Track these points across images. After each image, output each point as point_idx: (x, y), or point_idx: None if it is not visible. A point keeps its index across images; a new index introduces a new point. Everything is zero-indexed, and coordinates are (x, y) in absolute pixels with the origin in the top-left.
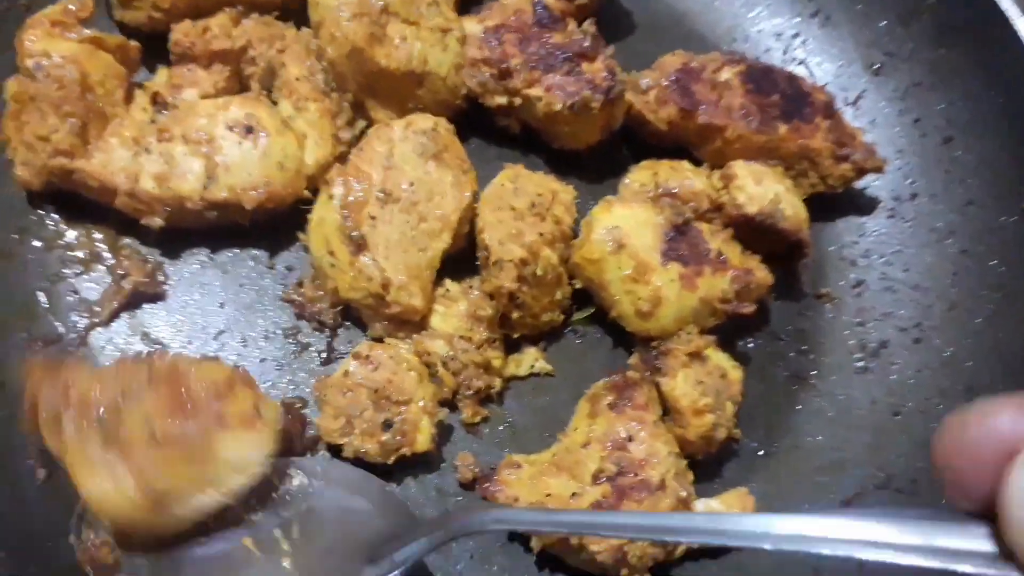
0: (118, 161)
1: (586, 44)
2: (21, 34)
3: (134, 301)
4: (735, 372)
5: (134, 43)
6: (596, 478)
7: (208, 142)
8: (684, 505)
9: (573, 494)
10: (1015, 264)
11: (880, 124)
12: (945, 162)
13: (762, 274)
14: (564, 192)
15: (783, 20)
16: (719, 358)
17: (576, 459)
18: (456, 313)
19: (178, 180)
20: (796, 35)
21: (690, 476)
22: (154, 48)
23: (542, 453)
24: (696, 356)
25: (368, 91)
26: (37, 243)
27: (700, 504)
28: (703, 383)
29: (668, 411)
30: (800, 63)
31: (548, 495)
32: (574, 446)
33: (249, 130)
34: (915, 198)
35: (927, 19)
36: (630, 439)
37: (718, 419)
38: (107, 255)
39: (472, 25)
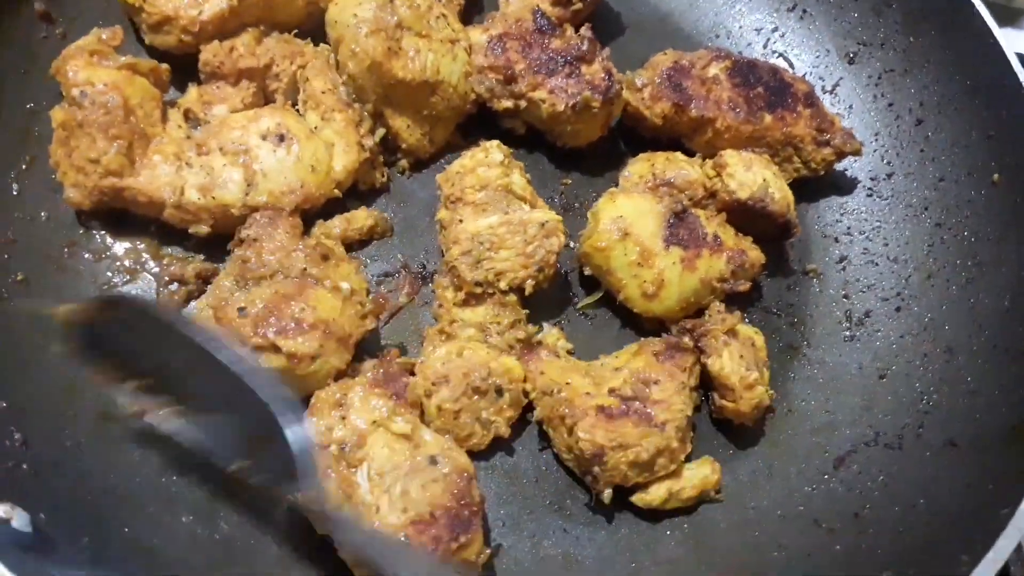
0: (163, 176)
1: (584, 48)
2: (63, 65)
3: (186, 303)
4: (759, 338)
5: (164, 66)
6: (612, 391)
7: (245, 152)
8: (669, 455)
9: (587, 393)
10: (985, 234)
11: (857, 110)
12: (919, 142)
13: (755, 254)
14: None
15: (762, 15)
16: (745, 328)
17: (604, 375)
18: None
19: (220, 190)
20: (775, 29)
21: (691, 438)
22: (180, 68)
23: (580, 361)
24: (731, 333)
25: (386, 101)
26: (87, 255)
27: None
28: (744, 357)
29: (710, 387)
30: (780, 55)
31: (568, 383)
32: (608, 367)
33: (281, 138)
34: (891, 177)
35: (897, 8)
36: (656, 382)
37: (764, 387)
38: (151, 264)
39: (477, 35)
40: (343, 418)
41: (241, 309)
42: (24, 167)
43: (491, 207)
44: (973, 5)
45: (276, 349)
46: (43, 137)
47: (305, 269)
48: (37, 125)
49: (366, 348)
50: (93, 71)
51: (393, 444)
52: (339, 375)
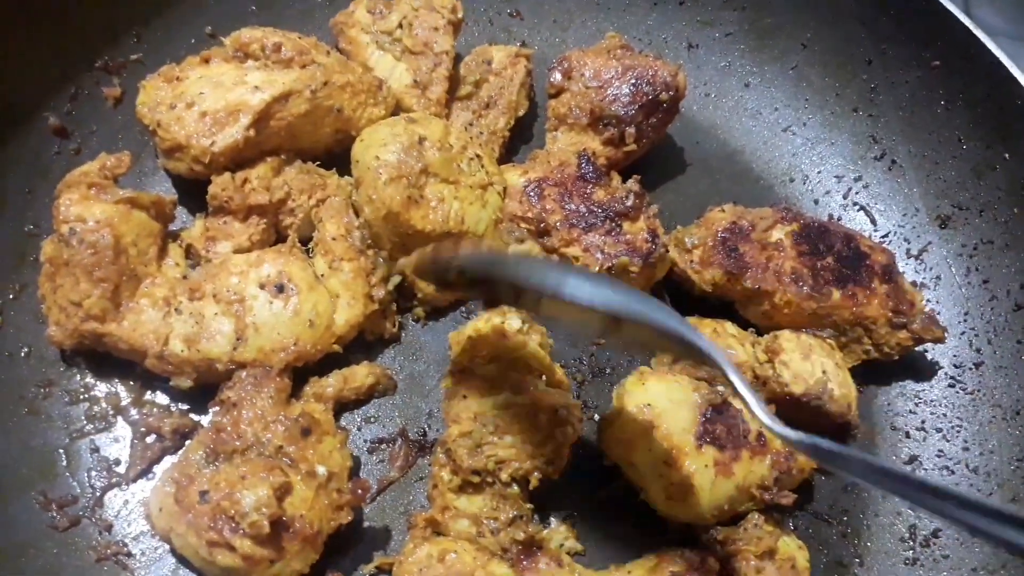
0: (148, 323)
1: (629, 203)
2: (57, 197)
3: (159, 459)
4: (802, 557)
5: (170, 197)
6: None
7: (239, 301)
8: None
9: None
10: None
11: (945, 282)
12: (1016, 331)
13: (805, 459)
14: None
15: (845, 161)
16: (786, 544)
17: None
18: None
19: (207, 342)
20: (858, 178)
21: None
22: (201, 191)
23: (586, 572)
24: (767, 554)
25: (403, 250)
26: (64, 397)
27: None
28: None
29: None
30: (861, 208)
31: None
32: None
33: (280, 288)
34: (979, 368)
35: (1001, 173)
36: None
37: None
38: (132, 410)
39: (515, 176)
40: None
41: (203, 493)
42: (12, 296)
43: (500, 383)
44: None
45: (231, 548)
46: (38, 265)
47: (281, 447)
48: (34, 251)
49: (342, 537)
50: (86, 206)
51: None
52: None
